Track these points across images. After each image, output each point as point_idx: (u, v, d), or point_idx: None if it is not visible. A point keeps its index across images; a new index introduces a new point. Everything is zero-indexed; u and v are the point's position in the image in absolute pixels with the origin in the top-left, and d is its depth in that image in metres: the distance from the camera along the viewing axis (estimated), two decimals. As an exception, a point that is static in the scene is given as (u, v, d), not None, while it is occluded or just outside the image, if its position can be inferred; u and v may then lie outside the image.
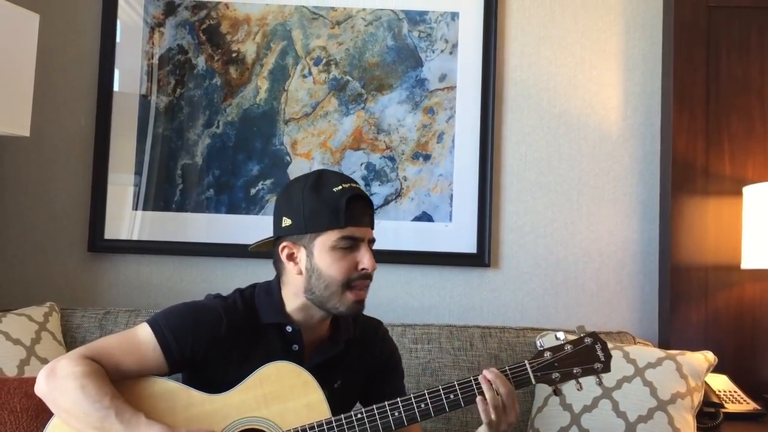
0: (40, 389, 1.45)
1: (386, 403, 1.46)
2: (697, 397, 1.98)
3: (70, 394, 1.41)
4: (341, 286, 1.50)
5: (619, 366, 2.01)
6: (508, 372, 1.47)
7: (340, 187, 1.50)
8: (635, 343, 2.25)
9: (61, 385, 1.42)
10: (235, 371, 1.51)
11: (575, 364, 1.47)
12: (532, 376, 1.47)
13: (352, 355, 1.65)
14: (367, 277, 1.53)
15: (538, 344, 1.52)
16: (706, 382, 2.06)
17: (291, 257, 1.54)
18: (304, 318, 1.56)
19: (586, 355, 1.48)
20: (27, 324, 2.06)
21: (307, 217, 1.50)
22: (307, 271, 1.52)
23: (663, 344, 2.41)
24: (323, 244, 1.50)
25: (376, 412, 1.45)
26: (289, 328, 1.56)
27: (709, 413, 2.13)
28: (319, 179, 1.53)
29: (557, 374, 1.47)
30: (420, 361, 2.20)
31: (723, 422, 2.11)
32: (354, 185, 1.53)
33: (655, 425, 1.91)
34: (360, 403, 1.69)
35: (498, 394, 1.44)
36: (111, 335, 1.56)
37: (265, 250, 1.64)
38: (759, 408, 2.19)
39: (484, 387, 1.45)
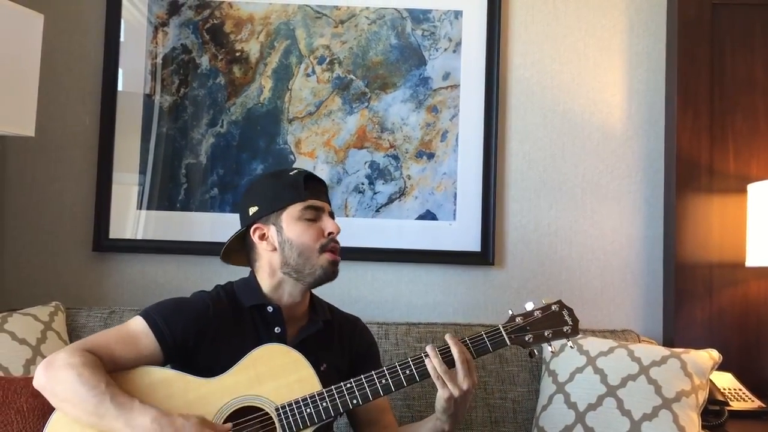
0: (39, 381, 1.51)
1: (373, 372, 1.56)
2: (702, 395, 1.98)
3: (67, 383, 1.46)
4: (315, 250, 1.65)
5: (623, 364, 2.01)
6: (484, 336, 1.59)
7: (296, 171, 1.71)
8: (640, 342, 2.25)
9: (59, 375, 1.48)
10: (225, 356, 1.59)
11: (545, 327, 1.60)
12: (506, 338, 1.59)
13: (334, 342, 1.77)
14: (335, 241, 1.68)
15: (509, 312, 1.63)
16: (710, 380, 2.06)
17: (263, 237, 1.68)
18: (281, 296, 1.69)
19: (555, 319, 1.61)
20: (32, 324, 2.06)
21: (271, 197, 1.68)
22: (280, 245, 1.66)
23: (667, 342, 2.41)
24: (290, 216, 1.66)
25: (364, 380, 1.55)
26: (270, 308, 1.67)
27: (714, 411, 2.12)
28: (275, 171, 1.78)
29: (530, 336, 1.60)
30: (424, 359, 2.20)
31: (728, 420, 2.11)
32: (307, 170, 1.72)
33: (659, 423, 1.91)
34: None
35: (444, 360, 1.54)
36: (106, 330, 1.64)
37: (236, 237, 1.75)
38: (764, 406, 2.19)
39: (430, 353, 1.55)
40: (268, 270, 1.69)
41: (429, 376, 1.54)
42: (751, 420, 2.15)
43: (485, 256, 2.48)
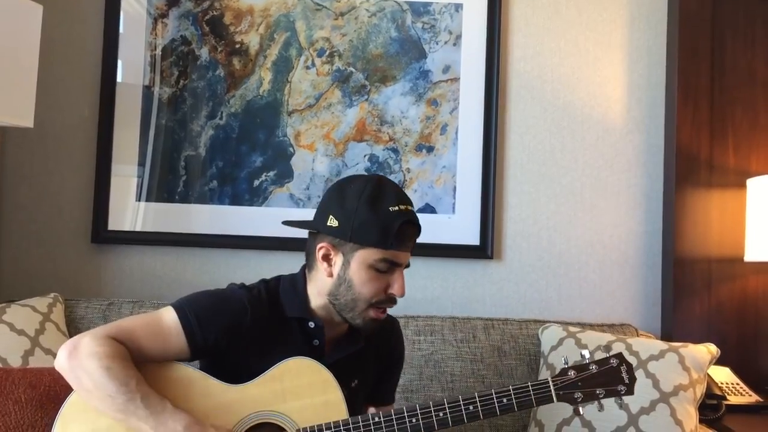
0: (61, 365, 1.43)
1: (404, 408, 1.45)
2: (700, 390, 1.98)
3: (94, 375, 1.39)
4: (367, 304, 1.51)
5: (621, 358, 2.01)
6: (530, 388, 1.46)
7: (397, 208, 1.49)
8: (638, 336, 2.25)
9: (85, 364, 1.40)
10: (255, 362, 1.51)
11: (599, 385, 1.46)
12: (554, 395, 1.46)
13: (369, 353, 1.66)
14: (393, 301, 1.55)
15: (563, 361, 1.50)
16: (708, 374, 2.06)
17: (326, 258, 1.53)
18: (326, 315, 1.57)
19: (611, 376, 1.47)
20: (31, 315, 2.06)
21: (356, 227, 1.48)
22: (339, 278, 1.52)
23: (666, 336, 2.41)
24: (363, 259, 1.49)
25: (394, 418, 1.44)
26: (311, 324, 1.56)
27: (712, 405, 2.13)
28: (378, 191, 1.50)
29: (579, 394, 1.46)
30: (423, 352, 2.20)
31: (725, 414, 2.12)
32: (410, 208, 1.52)
33: (657, 417, 1.91)
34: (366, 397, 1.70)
35: None
36: (135, 316, 1.55)
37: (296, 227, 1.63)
38: (761, 400, 2.20)
39: None
40: (319, 289, 1.56)
41: (465, 422, 1.45)
42: (749, 414, 2.15)
43: (484, 249, 2.48)
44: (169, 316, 1.50)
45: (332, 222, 1.50)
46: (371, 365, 1.67)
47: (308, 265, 1.59)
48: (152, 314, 1.52)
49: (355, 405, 1.59)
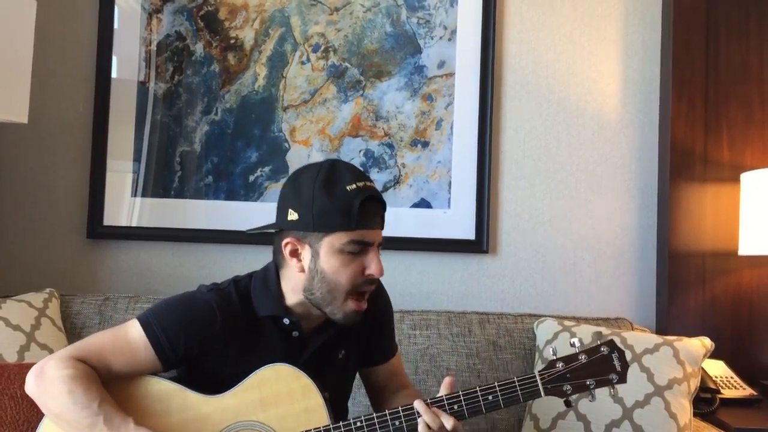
0: (30, 390, 1.42)
1: (387, 411, 1.42)
2: (694, 383, 1.99)
3: (59, 399, 1.38)
4: (345, 292, 1.45)
5: (616, 352, 2.02)
6: (516, 383, 1.41)
7: (354, 186, 1.42)
8: (633, 330, 2.26)
9: (50, 388, 1.39)
10: (232, 366, 1.48)
11: (589, 376, 1.40)
12: (542, 389, 1.41)
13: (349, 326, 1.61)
14: (373, 283, 1.48)
15: (551, 351, 1.43)
16: (702, 367, 2.07)
17: (294, 254, 1.47)
18: (303, 311, 1.52)
19: (602, 365, 1.41)
20: (27, 310, 2.06)
21: (316, 214, 1.41)
22: (310, 272, 1.45)
23: (660, 330, 2.42)
24: (331, 245, 1.42)
25: (376, 421, 1.42)
26: (286, 321, 1.51)
27: (706, 399, 2.14)
28: (332, 173, 1.44)
29: (569, 386, 1.41)
30: (418, 347, 2.21)
31: (719, 408, 2.13)
32: (369, 184, 1.45)
33: (651, 410, 1.92)
34: (361, 365, 1.69)
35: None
36: (101, 333, 1.51)
37: (262, 232, 1.60)
38: (755, 394, 2.21)
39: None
40: (292, 286, 1.50)
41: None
42: (743, 408, 2.17)
43: (479, 244, 2.48)
44: (135, 330, 1.46)
45: (292, 216, 1.44)
46: (356, 332, 1.61)
47: (278, 265, 1.53)
48: (118, 330, 1.48)
49: (344, 376, 1.60)
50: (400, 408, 1.42)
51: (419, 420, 1.39)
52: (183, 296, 1.54)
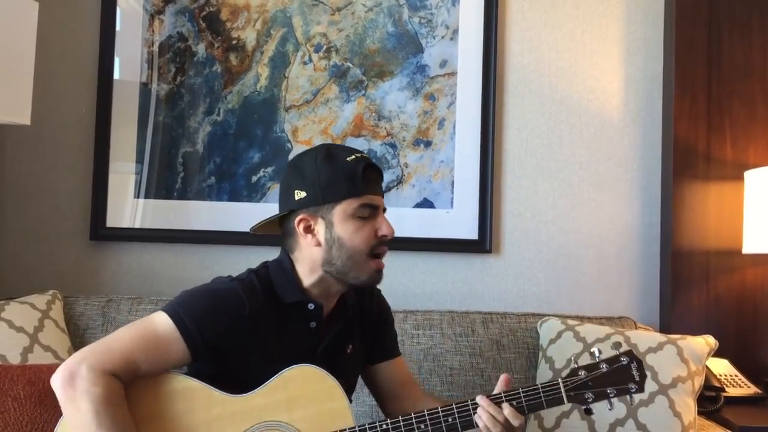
0: (57, 391, 1.40)
1: (412, 414, 1.44)
2: (698, 381, 1.99)
3: (83, 416, 1.36)
4: (365, 254, 1.51)
5: (620, 351, 2.02)
6: (540, 389, 1.44)
7: (353, 157, 1.52)
8: (636, 328, 2.25)
9: (78, 401, 1.37)
10: (260, 356, 1.49)
11: (609, 384, 1.44)
12: (564, 396, 1.44)
13: (355, 319, 1.67)
14: (386, 243, 1.54)
15: (572, 360, 1.48)
16: (707, 366, 2.06)
17: (308, 230, 1.52)
18: (321, 292, 1.56)
19: (621, 374, 1.45)
20: (30, 312, 2.06)
21: (324, 186, 1.49)
22: (327, 243, 1.51)
23: (664, 329, 2.41)
24: (343, 212, 1.50)
25: (401, 423, 1.43)
26: (311, 306, 1.55)
27: (710, 397, 2.14)
28: (329, 151, 1.54)
29: (590, 394, 1.44)
30: (422, 347, 2.20)
31: (723, 406, 2.12)
32: (365, 155, 1.55)
33: (656, 409, 1.92)
34: (365, 362, 1.73)
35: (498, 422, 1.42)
36: (128, 329, 1.46)
37: (266, 234, 1.64)
38: (760, 392, 2.20)
39: (482, 405, 1.44)
40: (309, 265, 1.54)
41: (473, 427, 1.44)
42: (747, 406, 2.16)
43: (483, 243, 2.48)
44: (164, 324, 1.44)
45: (299, 195, 1.51)
46: (361, 329, 1.68)
47: (289, 250, 1.57)
48: (146, 325, 1.46)
49: (352, 370, 1.64)
50: (454, 404, 1.44)
51: (481, 413, 1.42)
52: (207, 286, 1.55)
